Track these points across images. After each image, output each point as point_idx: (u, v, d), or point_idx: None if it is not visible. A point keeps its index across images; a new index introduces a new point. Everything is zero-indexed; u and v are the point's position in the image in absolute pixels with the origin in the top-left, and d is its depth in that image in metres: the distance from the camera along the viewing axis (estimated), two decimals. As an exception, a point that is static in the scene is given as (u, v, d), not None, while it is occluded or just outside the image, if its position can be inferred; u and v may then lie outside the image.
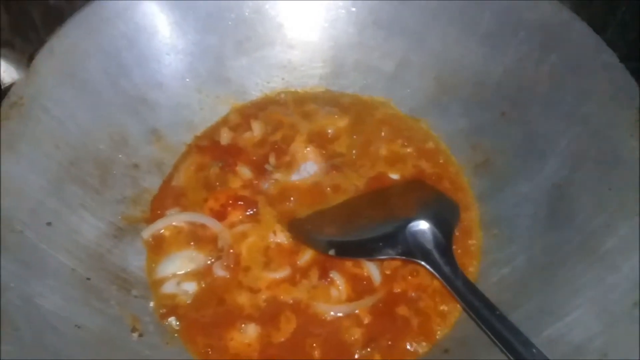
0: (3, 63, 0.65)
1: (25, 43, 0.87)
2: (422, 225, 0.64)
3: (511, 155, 0.73)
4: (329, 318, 0.65)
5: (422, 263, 0.63)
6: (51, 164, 0.67)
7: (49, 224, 0.63)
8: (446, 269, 0.61)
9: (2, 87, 0.65)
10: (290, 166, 0.77)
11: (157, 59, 0.79)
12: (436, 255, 0.63)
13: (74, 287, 0.62)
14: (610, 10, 0.96)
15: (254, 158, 0.77)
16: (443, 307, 0.66)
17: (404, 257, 0.64)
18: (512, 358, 0.53)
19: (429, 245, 0.63)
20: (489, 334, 0.55)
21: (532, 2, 0.72)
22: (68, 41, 0.71)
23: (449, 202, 0.71)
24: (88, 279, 0.63)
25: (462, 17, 0.78)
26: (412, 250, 0.63)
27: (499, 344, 0.54)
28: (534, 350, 0.52)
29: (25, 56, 0.68)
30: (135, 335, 0.62)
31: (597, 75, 0.67)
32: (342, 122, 0.81)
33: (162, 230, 0.71)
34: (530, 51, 0.73)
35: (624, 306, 0.54)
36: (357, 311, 0.65)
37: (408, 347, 0.63)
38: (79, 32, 0.72)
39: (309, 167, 0.77)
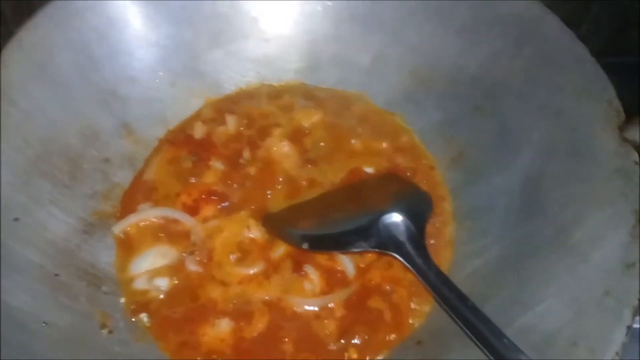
0: (-30, 56, 0.64)
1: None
2: (395, 218, 0.64)
3: (485, 149, 0.73)
4: (302, 311, 0.65)
5: (395, 255, 0.62)
6: (19, 159, 0.65)
7: (16, 219, 0.62)
8: (419, 261, 0.61)
9: (-31, 80, 0.64)
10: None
11: (129, 53, 0.77)
12: (409, 247, 0.62)
13: (42, 284, 0.61)
14: (584, 7, 0.97)
15: (228, 152, 0.77)
16: (417, 300, 0.65)
17: (377, 250, 0.64)
18: (483, 348, 0.53)
19: (402, 237, 0.63)
20: (461, 324, 0.56)
21: (507, -3, 0.72)
22: (37, 34, 0.70)
23: (422, 194, 0.71)
24: (56, 275, 0.62)
25: (438, 12, 0.78)
26: (385, 242, 0.63)
27: (470, 335, 0.54)
28: (505, 340, 0.52)
29: (-8, 49, 0.67)
30: (104, 331, 0.61)
31: (569, 69, 0.67)
32: (318, 116, 0.81)
33: (134, 225, 0.70)
34: (504, 45, 0.73)
35: (594, 295, 0.54)
36: (331, 304, 0.65)
37: (382, 339, 0.63)
38: (48, 25, 0.71)
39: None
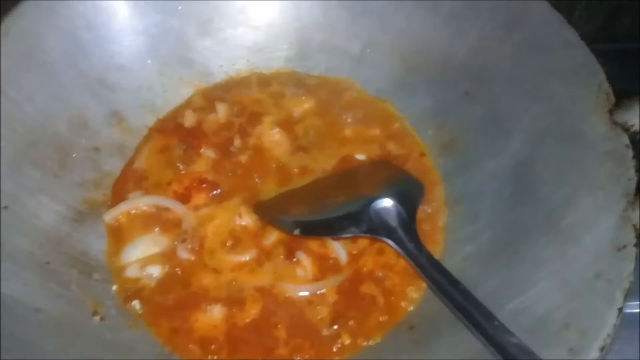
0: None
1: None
2: (386, 203, 0.64)
3: (475, 134, 0.73)
4: (295, 298, 0.65)
5: (386, 240, 0.63)
6: (7, 147, 0.65)
7: (5, 208, 0.62)
8: (410, 246, 0.61)
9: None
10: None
11: (118, 41, 0.77)
12: (400, 232, 0.63)
13: (32, 271, 0.60)
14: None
15: (219, 140, 0.76)
16: (409, 285, 0.65)
17: (368, 235, 0.64)
18: (474, 331, 0.53)
19: (393, 222, 0.63)
20: (452, 308, 0.56)
21: (495, -18, 0.72)
22: (24, 22, 0.69)
23: (413, 181, 0.71)
24: (47, 263, 0.62)
25: (427, -3, 0.78)
26: (377, 227, 0.63)
27: (462, 318, 0.55)
28: (496, 323, 0.52)
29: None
30: (96, 319, 0.61)
31: (559, 53, 0.67)
32: (309, 104, 0.81)
33: (125, 214, 0.70)
34: (493, 30, 0.73)
35: (585, 278, 0.54)
36: (323, 290, 0.65)
37: (375, 324, 0.63)
38: (35, 13, 0.70)
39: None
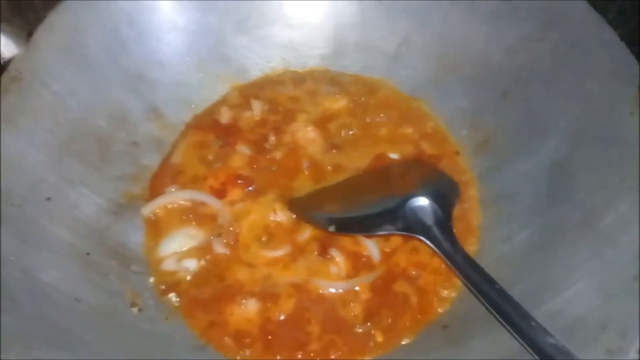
0: (3, 37, 0.65)
1: (24, 22, 0.86)
2: (422, 202, 0.64)
3: (512, 134, 0.73)
4: (328, 294, 0.65)
5: (422, 238, 0.63)
6: (51, 139, 0.67)
7: (48, 199, 0.64)
8: (446, 245, 0.61)
9: (2, 62, 0.65)
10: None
11: (158, 37, 0.78)
12: (436, 231, 0.62)
13: (74, 262, 0.62)
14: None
15: (254, 137, 0.77)
16: (442, 284, 0.65)
17: (404, 233, 0.64)
18: (511, 330, 0.53)
19: (429, 221, 0.63)
20: (488, 307, 0.55)
21: (533, -19, 0.72)
22: (68, 16, 0.71)
23: (448, 180, 0.71)
24: (87, 253, 0.63)
25: (464, -4, 0.78)
26: (412, 226, 0.63)
27: (498, 317, 0.54)
28: (533, 323, 0.52)
29: (25, 32, 0.67)
30: (134, 309, 0.62)
31: (598, 53, 0.66)
32: (343, 102, 0.81)
33: (162, 207, 0.71)
34: (531, 30, 0.73)
35: (623, 280, 0.54)
36: (357, 288, 0.65)
37: (408, 322, 0.63)
38: (78, 8, 0.72)
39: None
